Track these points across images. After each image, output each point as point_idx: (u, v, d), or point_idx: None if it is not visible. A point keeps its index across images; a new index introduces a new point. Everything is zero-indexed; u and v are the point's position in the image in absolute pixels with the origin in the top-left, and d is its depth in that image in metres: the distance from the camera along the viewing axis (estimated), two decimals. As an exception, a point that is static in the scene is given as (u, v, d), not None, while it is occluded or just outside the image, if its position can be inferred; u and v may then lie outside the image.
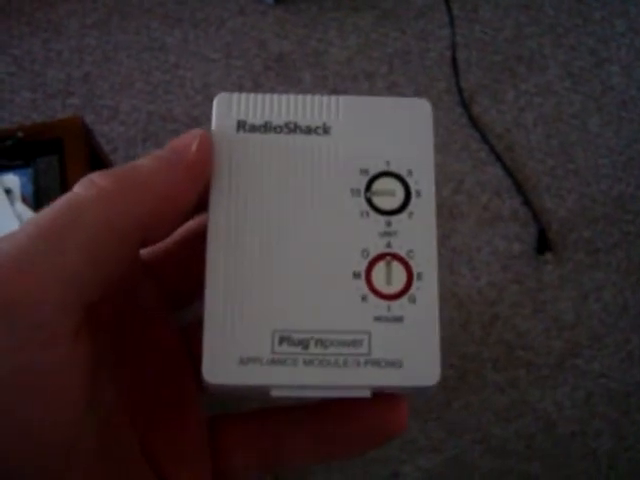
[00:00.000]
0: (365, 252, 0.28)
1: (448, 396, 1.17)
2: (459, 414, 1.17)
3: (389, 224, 0.28)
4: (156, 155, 0.27)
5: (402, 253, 0.28)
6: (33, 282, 0.23)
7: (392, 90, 1.33)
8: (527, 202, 1.26)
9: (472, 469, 1.15)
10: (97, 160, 1.02)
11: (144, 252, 0.31)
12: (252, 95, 0.30)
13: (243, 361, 0.27)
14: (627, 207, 1.27)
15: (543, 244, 1.23)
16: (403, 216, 0.29)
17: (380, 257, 0.28)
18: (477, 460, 1.15)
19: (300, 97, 0.29)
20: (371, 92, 1.33)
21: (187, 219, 0.31)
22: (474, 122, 1.31)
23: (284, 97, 0.29)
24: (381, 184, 0.29)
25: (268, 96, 0.29)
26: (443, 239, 1.23)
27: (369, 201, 0.29)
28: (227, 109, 0.29)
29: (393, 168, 0.29)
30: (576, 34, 1.40)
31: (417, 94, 1.33)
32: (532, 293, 1.22)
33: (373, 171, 0.29)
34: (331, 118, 0.29)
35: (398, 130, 0.30)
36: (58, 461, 0.24)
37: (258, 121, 0.29)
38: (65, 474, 0.24)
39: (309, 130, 0.29)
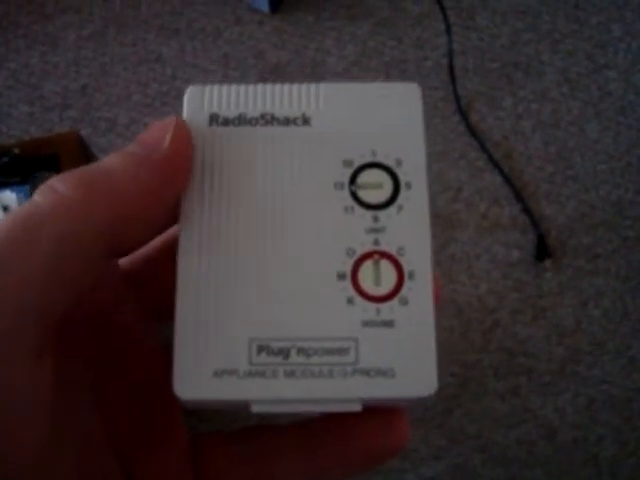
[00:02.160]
0: (351, 251, 0.26)
1: (449, 404, 1.17)
2: (460, 422, 1.16)
3: (376, 219, 0.26)
4: (124, 152, 0.25)
5: (391, 250, 0.26)
6: None
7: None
8: (526, 209, 1.26)
9: (474, 477, 1.15)
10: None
11: (123, 261, 0.29)
12: (225, 86, 0.28)
13: (218, 374, 0.25)
14: (626, 213, 1.27)
15: (542, 251, 1.23)
16: (392, 210, 0.27)
17: (367, 255, 0.26)
18: (479, 468, 1.15)
19: (277, 86, 0.28)
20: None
21: (168, 222, 0.29)
22: (472, 130, 1.30)
23: (259, 87, 0.28)
24: (367, 176, 0.27)
25: (243, 87, 0.28)
26: (442, 248, 1.23)
27: (354, 195, 0.27)
28: (199, 102, 0.28)
29: (380, 158, 0.27)
30: (573, 40, 1.39)
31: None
32: (532, 300, 1.22)
33: (358, 162, 0.27)
34: (311, 107, 0.27)
35: (385, 117, 0.27)
36: None
37: (232, 114, 0.27)
38: None
39: (287, 121, 0.27)
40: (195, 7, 1.41)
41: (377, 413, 0.26)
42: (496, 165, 1.28)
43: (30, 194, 0.91)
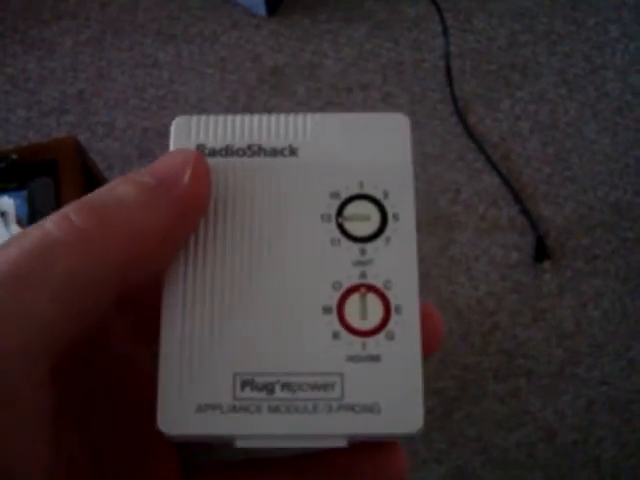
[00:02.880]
0: (337, 284, 0.25)
1: (449, 407, 1.16)
2: (460, 425, 1.16)
3: (363, 252, 0.26)
4: (135, 181, 0.24)
5: (378, 284, 0.25)
6: None
7: (387, 101, 1.33)
8: (524, 211, 1.25)
9: (474, 479, 1.15)
10: (92, 179, 1.02)
11: None
12: (212, 117, 0.27)
13: (201, 409, 0.24)
14: (624, 214, 1.27)
15: (541, 252, 1.23)
16: (379, 243, 0.26)
17: (353, 289, 0.25)
18: (479, 470, 1.15)
19: (264, 117, 0.27)
20: (366, 103, 1.33)
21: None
22: (470, 132, 1.30)
23: (247, 118, 0.27)
24: (354, 208, 0.26)
25: (230, 117, 0.27)
26: (441, 249, 1.23)
27: (341, 227, 0.26)
28: (186, 133, 0.27)
29: (367, 190, 0.26)
30: (570, 41, 1.39)
31: (412, 104, 1.33)
32: (531, 302, 1.22)
33: (345, 194, 0.26)
34: (298, 138, 0.27)
35: (372, 148, 0.27)
36: None
37: (219, 144, 0.27)
38: None
39: (274, 152, 0.27)
40: (192, 12, 1.41)
41: (378, 446, 0.26)
42: (494, 166, 1.28)
43: (28, 200, 0.91)
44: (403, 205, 0.26)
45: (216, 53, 1.37)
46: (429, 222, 1.22)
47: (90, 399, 0.27)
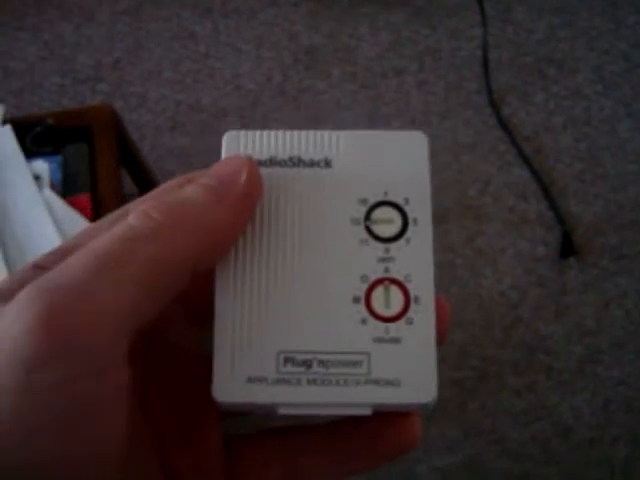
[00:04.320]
0: (365, 277, 0.29)
1: (466, 397, 1.17)
2: (476, 415, 1.17)
3: (387, 251, 0.30)
4: (205, 185, 0.28)
5: (400, 278, 0.29)
6: (91, 314, 0.24)
7: (421, 88, 1.33)
8: (553, 206, 1.25)
9: (487, 470, 1.15)
10: (125, 149, 1.02)
11: None
12: (258, 132, 0.31)
13: (250, 380, 0.28)
14: (654, 215, 1.26)
15: (568, 248, 1.23)
16: (401, 243, 0.30)
17: (379, 282, 0.29)
18: (492, 462, 1.15)
19: (303, 133, 0.31)
20: (400, 89, 1.33)
21: None
22: (503, 123, 1.30)
23: (288, 133, 0.31)
24: (380, 213, 0.30)
25: (273, 132, 0.31)
26: (467, 240, 1.23)
27: (368, 229, 0.30)
28: (235, 146, 0.31)
29: (391, 197, 0.30)
30: (609, 38, 1.38)
31: (447, 92, 1.32)
32: (555, 297, 1.21)
33: (372, 201, 0.30)
34: (332, 152, 0.31)
35: (395, 161, 0.31)
36: None
37: (264, 156, 0.30)
38: None
39: (312, 163, 0.31)
40: (231, -14, 1.41)
41: (391, 416, 0.29)
42: (525, 160, 1.28)
43: (62, 165, 0.92)
44: (421, 211, 0.30)
45: (253, 30, 1.37)
46: (458, 212, 1.22)
47: (150, 378, 0.30)
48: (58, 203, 0.88)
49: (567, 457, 1.16)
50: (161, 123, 1.29)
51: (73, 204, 0.88)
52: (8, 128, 0.91)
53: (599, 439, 1.17)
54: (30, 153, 0.91)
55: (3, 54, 1.35)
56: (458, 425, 1.16)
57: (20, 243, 0.85)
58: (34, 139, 0.92)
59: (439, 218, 1.20)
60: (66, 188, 0.91)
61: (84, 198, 0.90)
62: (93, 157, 0.93)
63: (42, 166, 0.91)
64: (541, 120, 1.32)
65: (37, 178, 0.90)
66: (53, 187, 0.89)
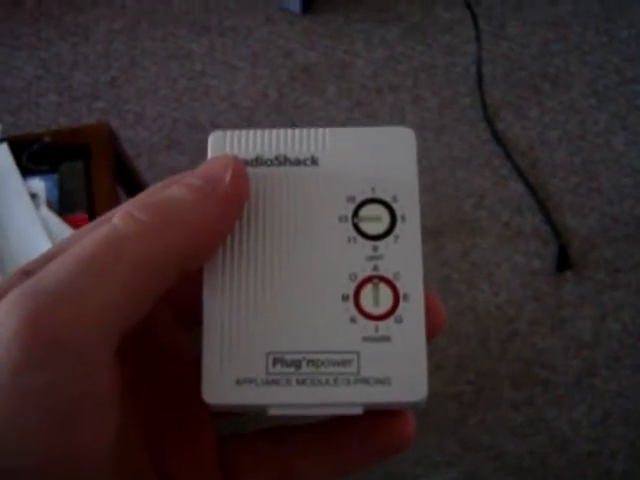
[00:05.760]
0: (353, 275, 0.29)
1: (464, 412, 1.17)
2: (474, 430, 1.16)
3: (376, 248, 0.29)
4: (190, 185, 0.27)
5: (389, 275, 0.29)
6: (76, 315, 0.24)
7: (416, 104, 1.33)
8: (548, 220, 1.25)
9: (486, 485, 1.15)
10: (122, 166, 1.03)
11: None
12: (244, 131, 0.31)
13: (239, 382, 0.28)
14: (649, 228, 1.27)
15: (563, 262, 1.23)
16: (389, 240, 0.29)
17: (367, 280, 0.29)
18: (491, 476, 1.15)
19: (289, 131, 0.31)
20: (395, 105, 1.33)
21: None
22: (498, 138, 1.30)
23: (274, 132, 0.31)
24: (367, 210, 0.30)
25: (259, 132, 0.31)
26: (463, 254, 1.23)
27: (356, 227, 0.30)
28: (221, 146, 0.30)
29: (378, 194, 0.30)
30: (602, 52, 1.39)
31: (441, 108, 1.33)
32: (551, 311, 1.21)
33: (359, 198, 0.30)
34: (318, 149, 0.31)
35: (383, 158, 0.31)
36: None
37: (250, 155, 0.30)
38: None
39: (298, 162, 0.30)
40: (226, 5, 1.42)
41: (384, 414, 0.29)
42: (520, 174, 1.28)
43: (58, 183, 0.92)
44: (410, 208, 0.30)
45: (249, 47, 1.38)
46: (453, 226, 1.22)
47: (140, 379, 0.30)
48: (55, 221, 0.88)
49: (566, 471, 1.15)
50: (157, 140, 1.29)
51: (70, 222, 0.88)
52: (5, 146, 0.92)
53: (598, 452, 1.16)
54: (27, 171, 0.91)
55: (0, 73, 1.35)
56: (457, 440, 1.16)
57: (17, 261, 0.85)
58: (31, 157, 0.92)
59: (435, 232, 1.20)
60: (63, 206, 0.91)
61: (81, 216, 0.90)
62: (90, 175, 0.94)
63: (39, 184, 0.91)
64: (536, 134, 1.33)
65: (34, 196, 0.90)
66: (50, 205, 0.90)
